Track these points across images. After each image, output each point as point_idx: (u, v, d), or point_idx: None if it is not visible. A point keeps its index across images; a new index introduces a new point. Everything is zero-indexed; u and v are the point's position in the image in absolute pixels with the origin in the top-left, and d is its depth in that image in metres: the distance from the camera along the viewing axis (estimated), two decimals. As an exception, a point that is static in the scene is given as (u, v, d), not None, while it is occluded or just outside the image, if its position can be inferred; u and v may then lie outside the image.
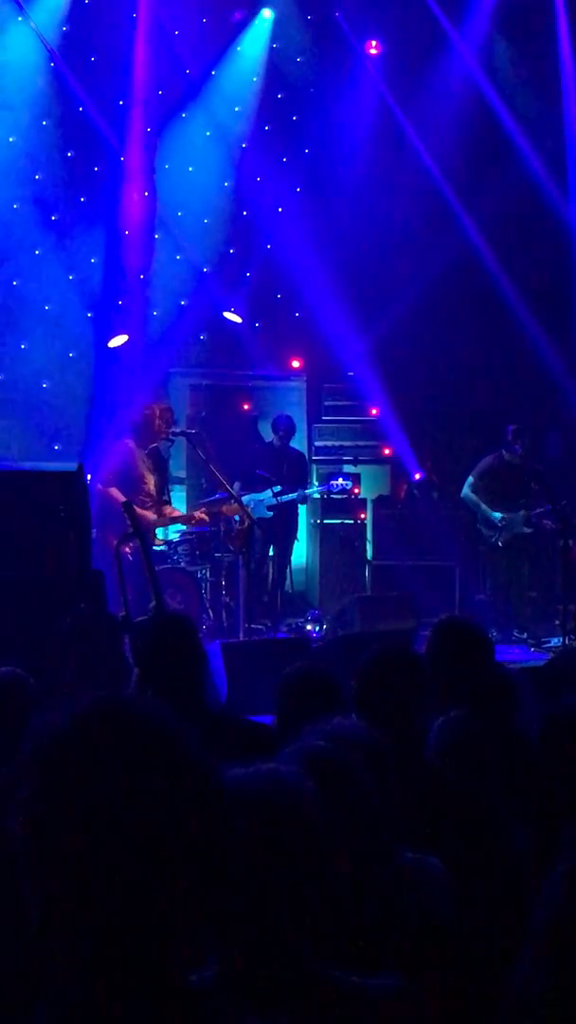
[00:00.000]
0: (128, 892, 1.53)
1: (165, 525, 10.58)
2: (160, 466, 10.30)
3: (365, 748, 2.82)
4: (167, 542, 10.84)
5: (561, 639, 10.23)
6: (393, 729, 3.69)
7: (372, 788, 2.64)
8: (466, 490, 11.63)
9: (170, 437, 10.33)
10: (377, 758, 2.85)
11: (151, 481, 10.06)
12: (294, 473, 11.64)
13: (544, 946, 2.07)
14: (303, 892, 1.98)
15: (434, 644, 4.75)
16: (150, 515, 9.81)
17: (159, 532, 10.61)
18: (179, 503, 12.08)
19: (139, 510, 9.35)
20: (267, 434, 12.38)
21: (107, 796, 1.54)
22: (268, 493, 11.18)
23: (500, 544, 11.49)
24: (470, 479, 11.62)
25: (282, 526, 11.43)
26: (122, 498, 8.94)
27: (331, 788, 2.12)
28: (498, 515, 11.39)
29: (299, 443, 12.44)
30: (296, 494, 11.45)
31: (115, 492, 9.47)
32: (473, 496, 11.55)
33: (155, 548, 10.21)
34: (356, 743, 2.85)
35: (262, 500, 11.15)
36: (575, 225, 13.54)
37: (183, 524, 10.73)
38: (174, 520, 10.56)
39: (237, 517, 10.68)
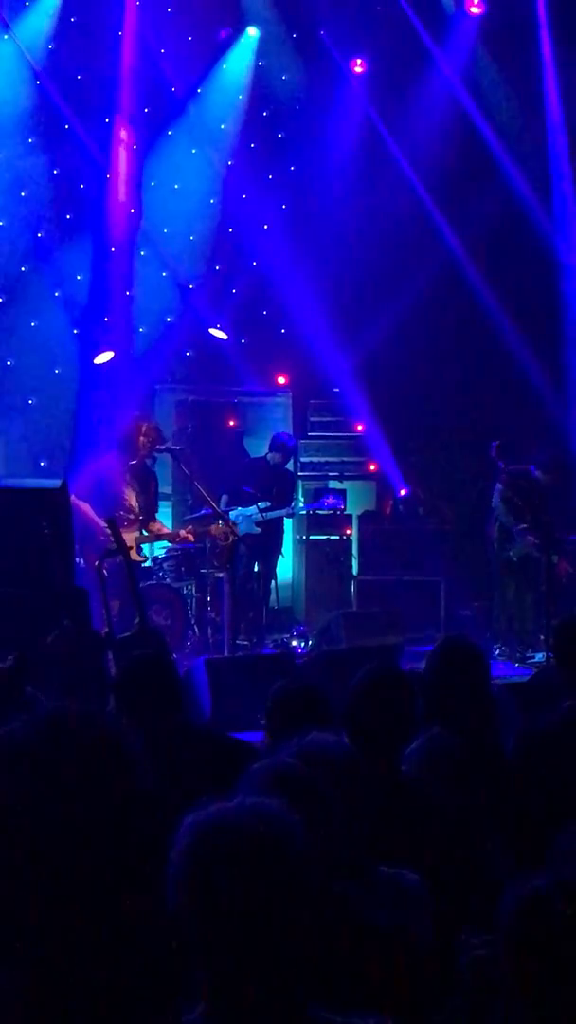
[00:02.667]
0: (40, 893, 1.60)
1: (150, 541, 10.56)
2: (145, 482, 10.28)
3: (336, 763, 2.83)
4: (153, 558, 10.85)
5: (545, 654, 10.24)
6: (382, 747, 3.72)
7: (340, 803, 2.65)
8: (496, 499, 11.43)
9: (153, 455, 10.35)
10: (349, 772, 2.86)
11: (132, 497, 10.06)
12: (284, 491, 11.64)
13: (503, 971, 2.09)
14: (290, 929, 1.95)
15: (440, 659, 4.70)
16: (132, 533, 9.81)
17: (144, 548, 10.60)
18: (164, 519, 12.07)
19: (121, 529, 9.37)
20: (253, 450, 12.38)
21: (39, 797, 1.63)
22: (254, 508, 11.17)
23: (515, 559, 11.39)
24: (499, 486, 11.43)
25: (268, 542, 11.43)
26: (91, 513, 8.94)
27: (298, 804, 2.12)
28: (519, 527, 11.20)
29: (285, 459, 12.44)
30: (284, 510, 11.45)
31: (86, 507, 9.43)
32: (503, 505, 11.40)
33: (141, 565, 10.21)
34: (327, 758, 2.86)
35: (250, 515, 11.15)
36: (558, 241, 13.60)
37: (168, 541, 10.72)
38: (160, 537, 10.56)
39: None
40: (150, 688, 4.36)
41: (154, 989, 1.72)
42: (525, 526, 11.18)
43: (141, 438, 10.06)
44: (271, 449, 11.64)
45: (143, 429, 10.19)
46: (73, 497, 9.61)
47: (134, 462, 10.12)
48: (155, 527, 10.38)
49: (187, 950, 1.93)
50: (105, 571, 8.20)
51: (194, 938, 1.92)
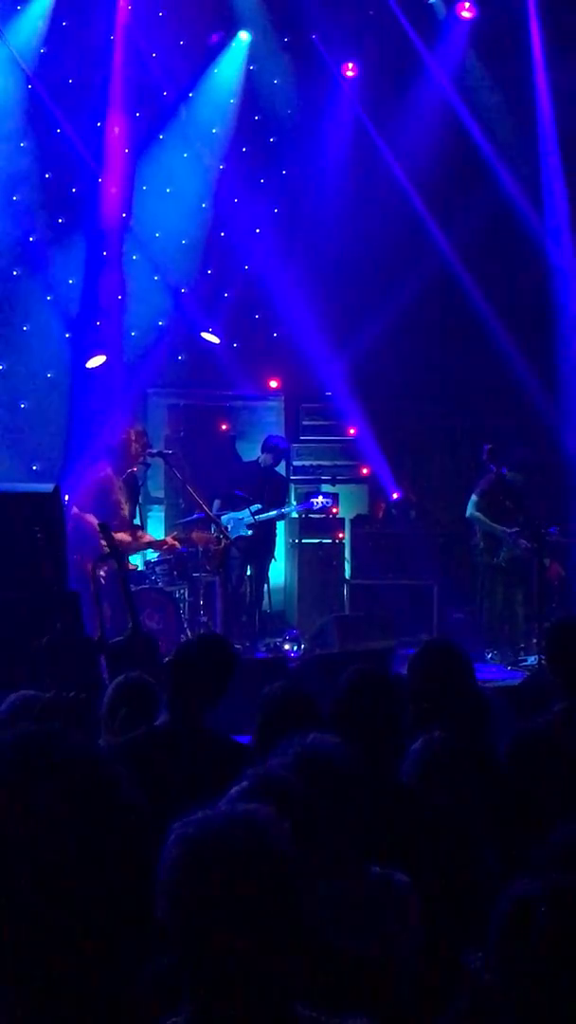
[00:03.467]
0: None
1: (140, 550, 10.55)
2: (134, 492, 10.29)
3: (332, 767, 2.83)
4: (145, 562, 10.85)
5: (537, 657, 10.25)
6: (369, 750, 3.72)
7: (333, 807, 2.65)
8: (471, 510, 11.54)
9: (146, 461, 10.35)
10: (346, 776, 2.86)
11: (126, 508, 10.07)
12: (276, 494, 11.65)
13: (495, 974, 2.09)
14: (277, 936, 1.95)
15: (420, 663, 4.74)
16: (126, 538, 9.80)
17: (133, 558, 10.58)
18: (156, 523, 12.09)
19: (115, 533, 9.36)
20: (245, 454, 12.38)
21: (15, 822, 1.66)
22: (247, 512, 11.18)
23: (503, 564, 11.43)
24: (473, 497, 11.54)
25: (260, 545, 11.43)
26: (96, 522, 8.93)
27: (283, 810, 2.12)
28: (512, 530, 11.26)
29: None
30: (275, 512, 11.46)
31: (91, 518, 9.43)
32: (478, 513, 11.47)
33: (134, 570, 10.22)
34: (326, 760, 2.86)
35: (241, 519, 11.16)
36: (550, 244, 13.62)
37: (155, 550, 10.71)
38: (148, 546, 10.55)
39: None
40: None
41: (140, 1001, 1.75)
42: (517, 529, 11.21)
43: (134, 445, 10.07)
44: (263, 451, 11.69)
45: (133, 436, 10.20)
46: (75, 510, 9.60)
47: (131, 470, 10.14)
48: (141, 536, 10.38)
49: (174, 955, 1.94)
50: (103, 575, 8.21)
51: (180, 944, 1.93)
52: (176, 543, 10.53)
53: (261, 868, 1.94)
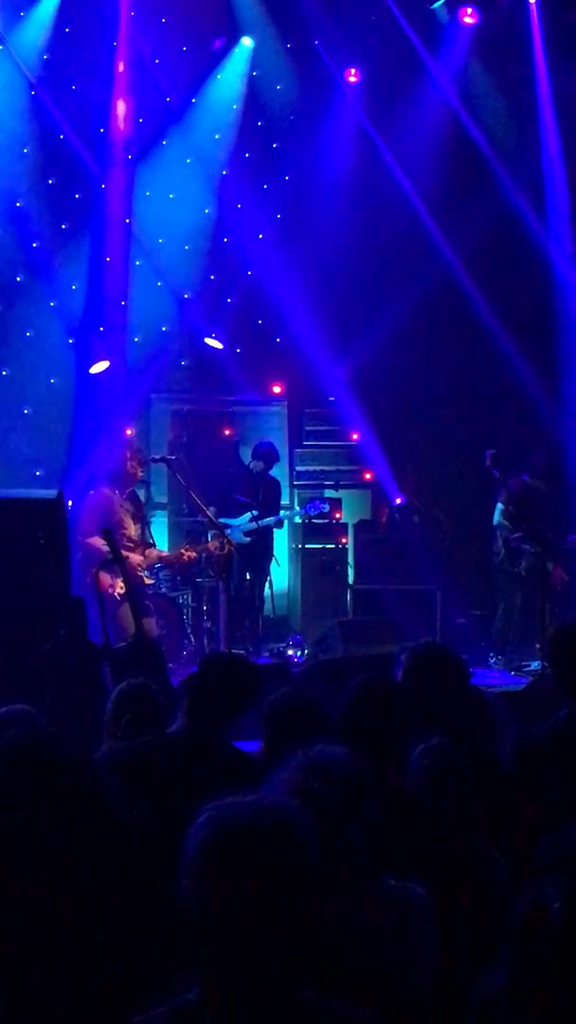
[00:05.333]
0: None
1: (152, 564, 10.44)
2: (139, 510, 10.28)
3: (345, 776, 2.83)
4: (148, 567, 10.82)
5: (540, 663, 10.24)
6: (376, 757, 3.71)
7: (350, 817, 2.65)
8: (498, 517, 11.57)
9: (146, 479, 10.35)
10: (359, 785, 2.85)
11: (131, 526, 10.05)
12: (269, 498, 11.65)
13: (510, 975, 2.08)
14: (290, 919, 2.00)
15: (411, 670, 4.75)
16: (135, 557, 9.80)
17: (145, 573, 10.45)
18: (160, 528, 12.07)
19: (124, 553, 9.35)
20: (248, 460, 12.38)
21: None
22: (245, 518, 11.18)
23: (523, 573, 11.45)
24: (500, 506, 11.59)
25: (258, 551, 11.43)
26: (104, 548, 8.93)
27: (310, 818, 2.14)
28: (515, 535, 11.31)
29: (280, 468, 12.45)
30: (272, 519, 11.45)
31: (97, 542, 9.41)
32: (507, 522, 11.50)
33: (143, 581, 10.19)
34: (336, 771, 2.85)
35: (238, 525, 11.16)
36: (553, 250, 13.62)
37: (171, 563, 10.63)
38: (161, 560, 10.48)
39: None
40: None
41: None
42: (519, 534, 11.23)
43: (130, 463, 10.07)
44: (254, 457, 11.73)
45: (129, 454, 10.20)
46: (80, 538, 9.57)
47: (130, 489, 10.14)
48: (152, 554, 10.31)
49: (189, 933, 2.01)
50: (118, 596, 8.18)
51: (197, 921, 1.99)
52: (193, 554, 10.44)
53: (282, 854, 2.01)
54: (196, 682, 4.53)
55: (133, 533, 10.01)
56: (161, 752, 4.25)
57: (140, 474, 10.21)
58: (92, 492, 10.28)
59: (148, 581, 10.16)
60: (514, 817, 3.31)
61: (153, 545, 10.40)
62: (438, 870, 3.33)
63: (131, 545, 9.92)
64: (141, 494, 10.88)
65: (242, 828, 2.03)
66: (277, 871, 2.00)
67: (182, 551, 10.53)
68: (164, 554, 10.54)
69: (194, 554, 10.49)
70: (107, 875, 1.84)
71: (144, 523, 10.26)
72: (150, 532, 10.48)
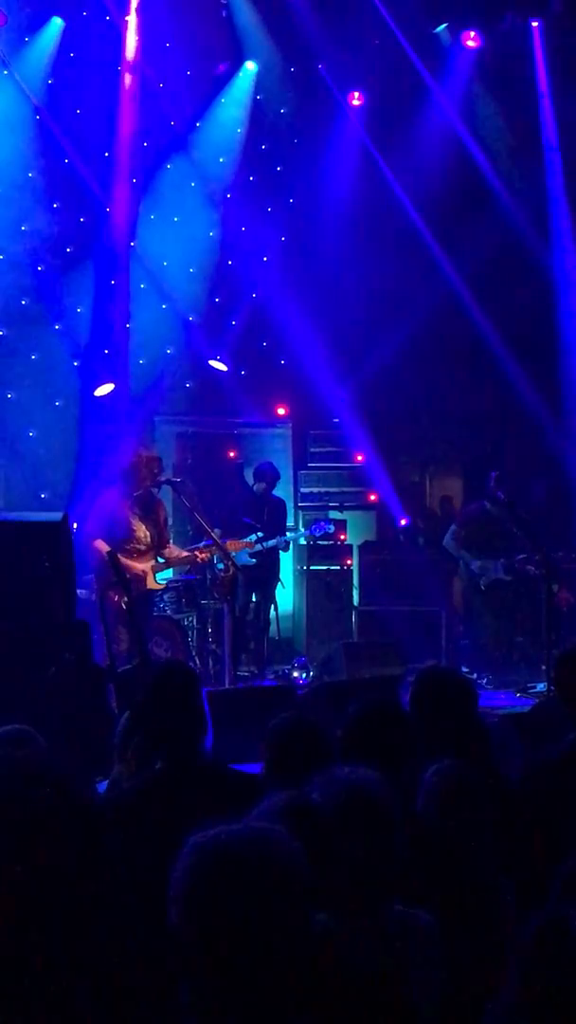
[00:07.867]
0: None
1: (167, 568, 10.35)
2: (153, 511, 10.16)
3: (376, 804, 2.81)
4: (151, 591, 10.79)
5: (546, 685, 10.22)
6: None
7: (365, 844, 2.64)
8: (448, 538, 11.76)
9: (157, 483, 10.29)
10: (389, 814, 2.84)
11: (141, 528, 10.00)
12: (274, 520, 11.65)
13: (522, 996, 2.07)
14: (281, 948, 1.97)
15: (418, 693, 4.73)
16: (138, 565, 9.76)
17: (159, 576, 10.35)
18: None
19: (127, 560, 9.34)
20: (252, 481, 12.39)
21: None
22: (251, 539, 11.17)
23: (483, 588, 11.58)
24: (453, 527, 11.78)
25: (264, 572, 11.43)
26: (106, 549, 8.92)
27: (301, 835, 2.12)
28: (476, 563, 11.52)
29: (285, 489, 12.46)
30: (277, 540, 11.44)
31: (100, 544, 9.42)
32: (453, 543, 11.68)
33: (158, 592, 10.15)
34: (368, 798, 2.83)
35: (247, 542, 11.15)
36: (556, 271, 13.67)
37: (187, 563, 10.59)
38: (180, 561, 10.38)
39: (221, 564, 10.65)
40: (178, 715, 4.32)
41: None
42: (524, 555, 11.29)
43: (143, 469, 10.02)
44: (255, 479, 11.73)
45: (144, 460, 10.15)
46: (98, 541, 9.55)
47: (139, 492, 10.05)
48: (171, 553, 10.22)
49: (178, 965, 1.98)
50: (124, 604, 8.15)
51: (186, 953, 1.96)
52: (205, 555, 10.37)
53: (269, 881, 1.98)
54: (152, 712, 4.39)
55: (142, 535, 9.95)
56: (156, 791, 4.19)
57: (151, 479, 10.05)
58: (104, 492, 10.24)
59: (157, 586, 10.08)
60: (522, 842, 3.29)
61: (166, 546, 10.28)
62: (446, 894, 3.31)
63: (142, 548, 9.85)
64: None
65: (228, 856, 2.00)
66: (264, 897, 1.96)
67: (196, 552, 10.50)
68: (184, 554, 10.40)
69: (207, 555, 10.41)
70: (94, 891, 1.84)
71: (159, 524, 10.13)
72: (168, 532, 10.43)
